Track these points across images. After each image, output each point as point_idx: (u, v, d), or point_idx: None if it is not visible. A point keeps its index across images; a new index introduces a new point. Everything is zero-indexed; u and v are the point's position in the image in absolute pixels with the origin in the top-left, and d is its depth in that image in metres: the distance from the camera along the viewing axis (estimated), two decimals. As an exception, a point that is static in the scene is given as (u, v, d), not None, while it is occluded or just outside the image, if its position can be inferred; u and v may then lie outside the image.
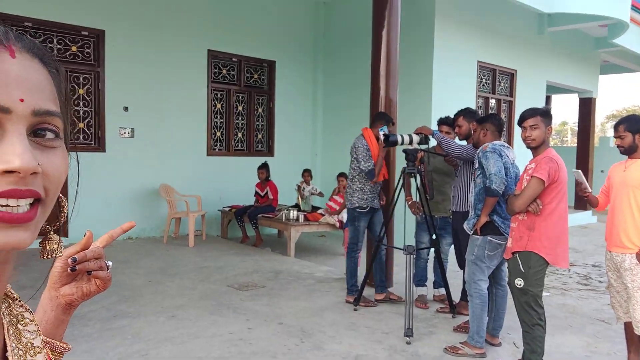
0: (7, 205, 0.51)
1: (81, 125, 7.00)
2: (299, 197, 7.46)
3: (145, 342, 3.71)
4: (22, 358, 0.60)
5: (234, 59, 8.50)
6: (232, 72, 8.56)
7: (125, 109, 7.24)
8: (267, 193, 7.52)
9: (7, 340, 0.60)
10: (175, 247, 7.00)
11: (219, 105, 8.43)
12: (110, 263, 0.85)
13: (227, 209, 7.84)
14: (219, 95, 8.41)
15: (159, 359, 3.44)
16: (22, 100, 0.51)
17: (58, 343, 0.82)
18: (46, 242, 0.64)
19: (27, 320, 0.65)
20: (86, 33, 6.91)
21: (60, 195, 0.61)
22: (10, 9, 6.28)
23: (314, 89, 9.43)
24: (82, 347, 3.59)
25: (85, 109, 7.02)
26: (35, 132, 0.53)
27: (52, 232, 0.64)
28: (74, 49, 6.86)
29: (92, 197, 6.93)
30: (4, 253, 0.56)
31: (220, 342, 3.76)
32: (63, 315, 0.83)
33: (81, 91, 6.96)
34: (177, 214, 7.30)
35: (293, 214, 6.85)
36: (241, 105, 8.74)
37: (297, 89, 9.22)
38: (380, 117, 4.84)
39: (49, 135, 0.54)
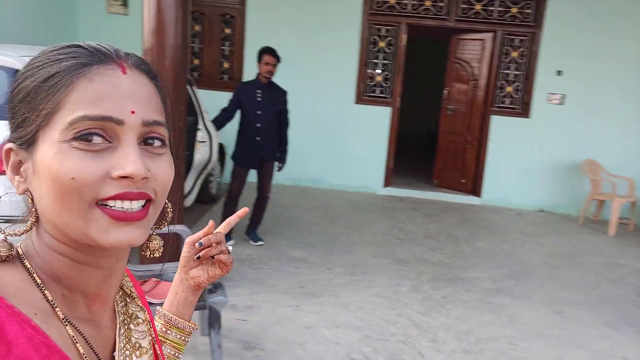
0: (123, 207, 0.57)
1: (509, 89, 6.89)
2: None
3: (518, 330, 3.43)
4: (128, 358, 0.65)
5: None
6: None
7: (559, 72, 6.65)
8: None
9: (117, 339, 0.65)
10: (590, 231, 6.17)
11: None
12: (230, 248, 0.91)
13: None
14: None
15: (526, 355, 3.12)
16: (133, 112, 0.57)
17: (186, 323, 0.89)
18: (149, 242, 0.67)
19: (140, 320, 0.70)
20: (530, -8, 6.61)
21: (167, 201, 0.65)
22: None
23: None
24: (457, 312, 3.63)
25: (516, 72, 6.85)
26: (145, 141, 0.59)
27: (154, 234, 0.68)
28: (514, 10, 6.70)
29: (510, 162, 6.86)
30: (118, 250, 0.61)
31: (606, 363, 3.10)
32: (192, 296, 0.90)
33: (514, 54, 6.80)
34: (601, 195, 6.36)
35: None
36: None
37: None
38: None
39: (157, 143, 0.60)
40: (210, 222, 0.90)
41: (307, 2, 6.63)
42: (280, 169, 4.65)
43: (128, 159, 0.56)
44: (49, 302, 0.57)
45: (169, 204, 0.68)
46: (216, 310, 2.72)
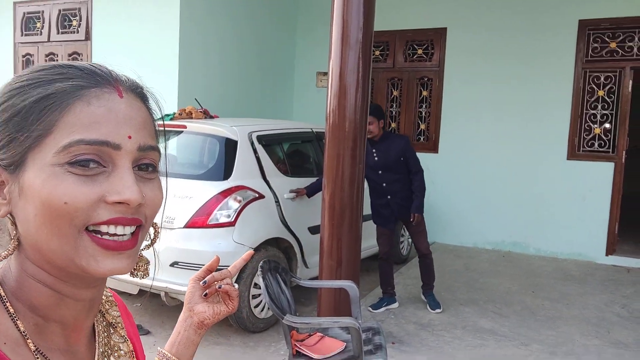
0: (114, 234, 0.55)
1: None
2: None
3: None
4: None
5: None
6: None
7: None
8: None
9: None
10: None
11: None
12: (236, 285, 0.82)
13: None
14: None
15: None
16: (130, 137, 0.56)
17: None
18: (137, 262, 0.65)
19: (122, 352, 0.68)
20: None
21: (155, 222, 0.64)
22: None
23: None
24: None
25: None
26: (139, 167, 0.58)
27: (141, 254, 0.65)
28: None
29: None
30: (103, 280, 0.61)
31: None
32: (195, 335, 0.85)
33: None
34: None
35: None
36: None
37: None
38: None
39: (150, 168, 0.59)
40: (215, 257, 0.88)
41: (509, 57, 6.31)
42: (413, 220, 4.12)
43: (124, 185, 0.54)
44: (21, 332, 0.56)
45: (157, 224, 0.66)
46: (374, 373, 2.58)
